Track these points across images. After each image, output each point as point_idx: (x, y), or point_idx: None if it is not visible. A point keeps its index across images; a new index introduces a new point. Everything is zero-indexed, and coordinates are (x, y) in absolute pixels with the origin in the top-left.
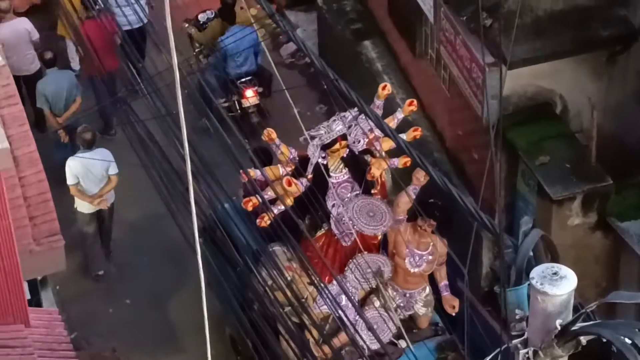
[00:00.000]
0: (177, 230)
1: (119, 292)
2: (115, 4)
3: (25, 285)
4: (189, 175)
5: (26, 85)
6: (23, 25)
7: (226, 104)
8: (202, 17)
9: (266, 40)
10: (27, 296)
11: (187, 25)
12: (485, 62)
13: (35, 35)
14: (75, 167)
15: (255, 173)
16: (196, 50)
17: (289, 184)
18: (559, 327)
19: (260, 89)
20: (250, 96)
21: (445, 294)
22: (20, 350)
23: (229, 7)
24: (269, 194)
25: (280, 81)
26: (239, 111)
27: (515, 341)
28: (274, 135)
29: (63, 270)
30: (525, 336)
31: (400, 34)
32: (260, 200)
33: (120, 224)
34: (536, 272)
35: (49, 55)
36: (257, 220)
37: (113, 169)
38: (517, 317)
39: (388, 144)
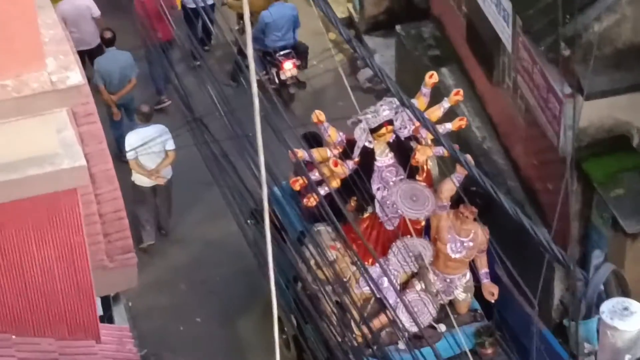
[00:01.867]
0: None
1: (190, 310)
2: None
3: (98, 301)
4: (265, 204)
5: (89, 58)
6: (84, 2)
7: (266, 77)
8: None
9: (344, 65)
10: (100, 312)
11: None
12: (562, 92)
13: (97, 13)
14: (134, 141)
15: (303, 154)
16: (238, 26)
17: (335, 165)
18: None
19: (298, 62)
20: (289, 68)
21: (485, 281)
22: None
23: None
24: (317, 174)
25: (356, 107)
26: (277, 83)
27: None
28: (322, 117)
29: (135, 287)
30: None
31: (478, 62)
32: (307, 180)
33: (193, 241)
34: (606, 307)
35: (108, 34)
36: (304, 200)
37: (170, 145)
38: (586, 351)
39: None
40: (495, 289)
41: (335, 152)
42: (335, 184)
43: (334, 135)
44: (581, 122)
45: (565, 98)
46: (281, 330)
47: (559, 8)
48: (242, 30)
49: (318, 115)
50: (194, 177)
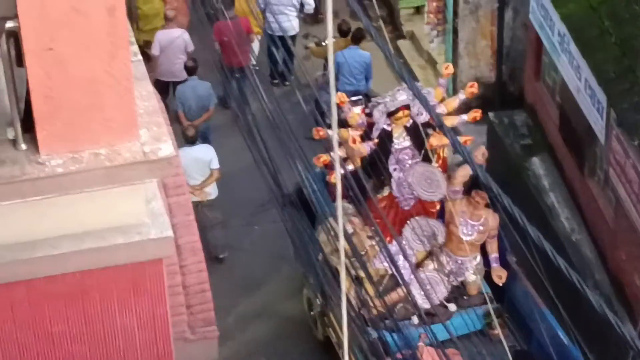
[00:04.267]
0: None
1: None
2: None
3: None
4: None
5: (174, 89)
6: (181, 36)
7: None
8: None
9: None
10: None
11: (307, 39)
12: None
13: (191, 47)
14: (181, 159)
15: (326, 133)
16: (321, 72)
17: (354, 142)
18: None
19: (368, 110)
20: (357, 114)
21: (495, 265)
22: None
23: (360, 32)
24: (339, 153)
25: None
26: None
27: None
28: (345, 98)
29: None
30: None
31: (570, 152)
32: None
33: (273, 315)
34: None
35: (190, 63)
36: (327, 177)
37: (215, 164)
38: None
39: (450, 121)
40: (503, 273)
41: (356, 133)
42: (356, 163)
43: (355, 116)
44: None
45: None
46: (310, 309)
47: None
48: (323, 76)
49: (340, 96)
50: (275, 252)
